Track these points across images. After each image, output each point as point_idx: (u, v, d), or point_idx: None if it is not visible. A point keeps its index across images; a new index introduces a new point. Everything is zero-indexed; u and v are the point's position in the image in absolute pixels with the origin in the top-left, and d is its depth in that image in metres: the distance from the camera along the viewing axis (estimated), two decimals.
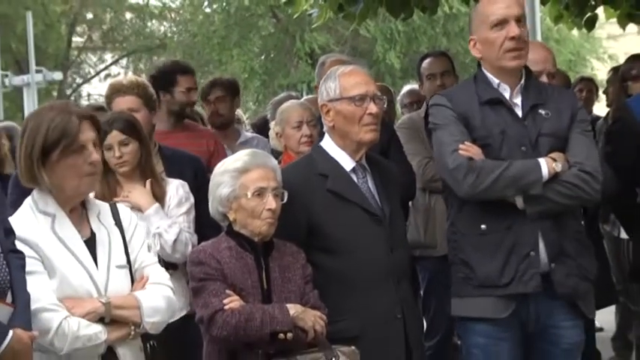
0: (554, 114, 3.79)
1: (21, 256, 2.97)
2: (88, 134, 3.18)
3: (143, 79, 4.97)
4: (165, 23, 29.91)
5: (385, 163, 4.03)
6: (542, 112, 3.79)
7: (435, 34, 23.03)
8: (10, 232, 2.97)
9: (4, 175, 5.33)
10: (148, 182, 4.24)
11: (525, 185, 3.66)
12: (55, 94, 28.65)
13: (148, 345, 3.31)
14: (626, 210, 4.59)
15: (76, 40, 31.29)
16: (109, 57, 31.74)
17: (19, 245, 3.02)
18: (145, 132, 4.37)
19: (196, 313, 3.55)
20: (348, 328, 3.60)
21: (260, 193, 3.55)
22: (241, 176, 3.58)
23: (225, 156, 4.57)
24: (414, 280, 5.12)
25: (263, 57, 24.84)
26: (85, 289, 3.15)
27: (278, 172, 3.65)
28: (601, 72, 19.36)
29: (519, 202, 3.68)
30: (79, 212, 3.27)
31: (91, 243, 3.23)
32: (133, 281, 3.30)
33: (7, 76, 26.35)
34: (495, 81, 3.82)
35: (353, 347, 3.55)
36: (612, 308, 6.77)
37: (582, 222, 4.21)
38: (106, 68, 31.12)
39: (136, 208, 4.13)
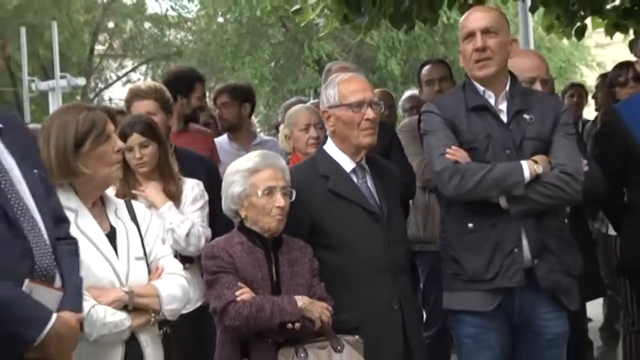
0: (538, 118, 3.79)
1: (72, 242, 2.96)
2: (111, 125, 3.27)
3: (160, 84, 4.97)
4: (181, 32, 29.95)
5: (385, 163, 4.03)
6: (526, 116, 3.79)
7: (434, 42, 23.01)
8: (61, 221, 2.96)
9: None
10: (153, 183, 4.25)
11: (508, 186, 3.66)
12: (78, 98, 28.66)
13: (162, 331, 3.35)
14: (614, 209, 4.57)
15: (98, 47, 31.32)
16: (128, 64, 31.78)
17: None
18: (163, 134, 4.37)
19: (210, 304, 3.55)
20: (347, 319, 3.59)
21: (270, 191, 3.55)
22: (252, 176, 3.58)
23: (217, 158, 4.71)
24: (413, 274, 5.11)
25: (273, 64, 24.84)
26: (108, 279, 3.17)
27: (287, 172, 3.65)
28: (590, 78, 19.31)
29: (503, 202, 3.69)
30: (99, 208, 3.30)
31: (111, 236, 3.26)
32: (149, 272, 3.32)
33: (33, 81, 26.41)
34: (481, 88, 3.83)
35: (357, 337, 3.55)
36: (600, 300, 6.76)
37: (574, 220, 4.21)
38: (125, 74, 31.15)
39: (152, 206, 4.14)
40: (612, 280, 5.70)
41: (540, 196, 3.68)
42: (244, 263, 3.50)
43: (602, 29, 6.96)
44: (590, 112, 8.06)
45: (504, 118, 3.80)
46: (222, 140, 6.01)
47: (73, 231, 3.09)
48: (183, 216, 4.24)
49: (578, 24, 6.96)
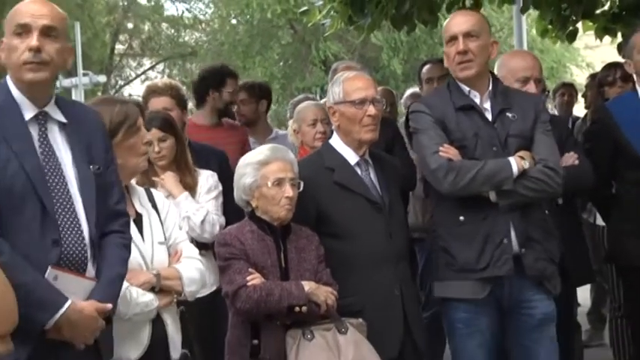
0: (520, 116, 3.79)
1: (123, 236, 2.95)
2: (141, 118, 3.28)
3: (176, 82, 4.96)
4: (196, 33, 29.96)
5: (387, 157, 4.02)
6: (509, 115, 3.79)
7: (433, 43, 22.94)
8: (117, 215, 2.94)
9: None
10: (171, 173, 4.24)
11: (499, 182, 3.65)
12: (99, 94, 28.69)
13: (179, 310, 3.35)
14: (603, 200, 4.56)
15: (119, 47, 31.36)
16: (147, 62, 31.81)
17: None
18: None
19: (222, 289, 3.55)
20: (351, 303, 3.59)
21: (279, 182, 3.55)
22: (262, 168, 3.58)
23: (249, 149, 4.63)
24: (412, 261, 5.09)
25: (282, 63, 24.85)
26: (137, 262, 3.18)
27: (295, 165, 3.65)
28: (579, 77, 19.28)
29: (492, 196, 3.68)
30: (126, 195, 3.28)
31: (138, 222, 3.27)
32: (169, 255, 3.34)
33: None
34: (466, 88, 3.82)
35: (360, 320, 3.55)
36: (588, 286, 6.74)
37: (564, 210, 4.20)
38: (144, 72, 31.16)
39: (170, 195, 4.14)
40: (599, 267, 5.68)
41: (527, 189, 3.68)
42: (255, 250, 3.50)
43: (592, 32, 6.95)
44: (579, 110, 8.05)
45: (489, 116, 3.80)
46: None
47: None
48: (199, 204, 4.23)
49: (570, 28, 6.94)
